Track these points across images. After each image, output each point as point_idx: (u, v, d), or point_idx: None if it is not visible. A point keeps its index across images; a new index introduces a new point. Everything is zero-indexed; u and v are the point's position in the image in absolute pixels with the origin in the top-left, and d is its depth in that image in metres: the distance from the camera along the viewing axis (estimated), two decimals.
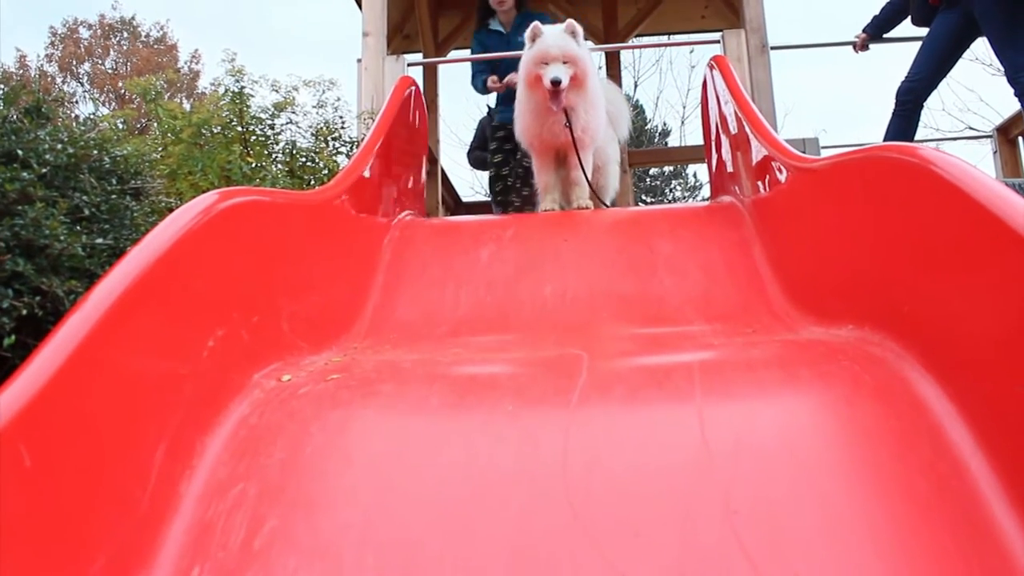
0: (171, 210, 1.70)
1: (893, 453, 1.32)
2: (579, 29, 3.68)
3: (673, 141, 23.37)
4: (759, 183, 2.93)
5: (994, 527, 1.15)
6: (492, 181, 5.46)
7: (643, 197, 23.87)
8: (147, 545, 1.19)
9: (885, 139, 4.68)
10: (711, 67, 4.09)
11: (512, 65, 4.98)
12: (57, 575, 1.04)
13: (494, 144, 5.38)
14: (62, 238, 2.36)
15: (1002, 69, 4.38)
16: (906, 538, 1.16)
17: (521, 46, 4.79)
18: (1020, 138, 5.89)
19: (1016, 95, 4.32)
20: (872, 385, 1.50)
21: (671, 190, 24.76)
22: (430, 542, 1.20)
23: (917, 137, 4.89)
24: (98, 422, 1.19)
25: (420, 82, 6.57)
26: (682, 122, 22.64)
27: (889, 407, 1.42)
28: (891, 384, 1.49)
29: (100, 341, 1.23)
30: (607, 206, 4.16)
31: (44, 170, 2.51)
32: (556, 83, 3.47)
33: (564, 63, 3.52)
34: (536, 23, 3.70)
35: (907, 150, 1.68)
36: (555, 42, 3.54)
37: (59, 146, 2.54)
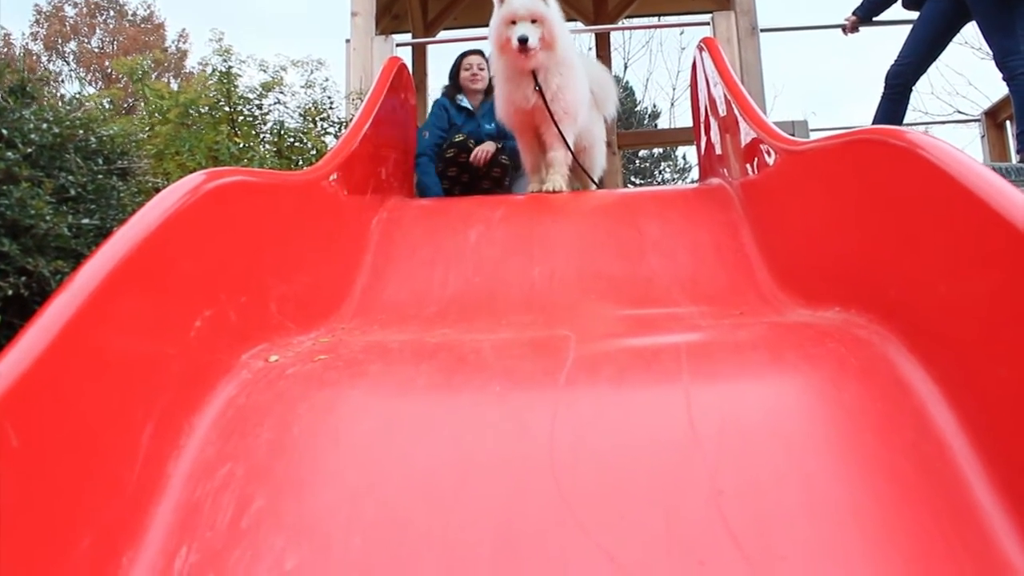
0: (158, 190, 1.69)
1: (877, 434, 1.33)
2: None
3: (663, 123, 23.38)
4: (747, 165, 2.93)
5: (975, 508, 1.17)
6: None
7: (632, 179, 23.87)
8: (135, 525, 1.20)
9: (874, 122, 4.69)
10: (701, 49, 4.08)
11: (469, 135, 4.91)
12: (44, 554, 1.04)
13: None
14: (48, 218, 2.35)
15: (991, 53, 4.39)
16: (889, 518, 1.17)
17: (488, 132, 4.76)
18: (1008, 122, 5.91)
19: (1004, 79, 4.33)
20: (857, 367, 1.51)
21: (660, 172, 24.76)
22: (417, 521, 1.21)
23: (906, 120, 4.90)
24: (85, 402, 1.19)
25: (409, 62, 6.55)
26: (672, 104, 22.63)
27: (874, 389, 1.43)
28: (876, 366, 1.50)
29: (86, 321, 1.23)
30: (597, 186, 4.14)
31: (29, 150, 2.49)
32: (523, 41, 3.43)
33: (532, 22, 3.47)
34: None
35: (894, 133, 1.69)
36: (522, 2, 3.50)
37: (44, 126, 2.52)
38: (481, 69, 4.97)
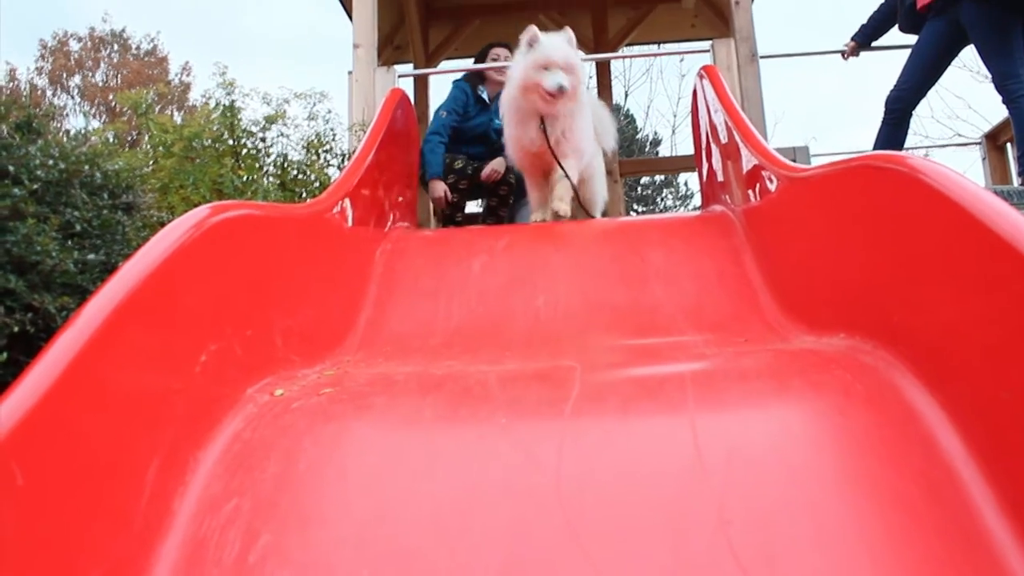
0: (163, 224, 1.70)
1: (885, 461, 1.32)
2: (574, 38, 3.71)
3: (664, 150, 23.48)
4: (749, 192, 2.94)
5: (985, 534, 1.16)
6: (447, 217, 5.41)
7: (634, 206, 23.93)
8: (141, 562, 1.19)
9: (875, 147, 4.70)
10: (701, 76, 4.11)
11: (477, 135, 5.20)
12: None
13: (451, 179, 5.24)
14: (54, 254, 2.36)
15: (989, 76, 4.41)
16: (899, 546, 1.17)
17: (496, 127, 4.94)
18: (1008, 145, 5.93)
19: (1004, 102, 4.35)
20: (864, 394, 1.51)
21: (662, 199, 24.82)
22: (424, 555, 1.20)
23: (907, 144, 4.92)
24: (91, 439, 1.19)
25: (411, 92, 6.59)
26: (673, 131, 22.75)
27: (881, 415, 1.43)
28: (883, 393, 1.49)
29: (92, 358, 1.23)
30: (594, 217, 4.17)
31: (35, 186, 2.50)
32: (560, 89, 3.45)
33: (564, 70, 3.50)
34: (533, 28, 3.65)
35: (895, 159, 1.69)
36: (559, 48, 3.54)
37: (50, 162, 2.53)
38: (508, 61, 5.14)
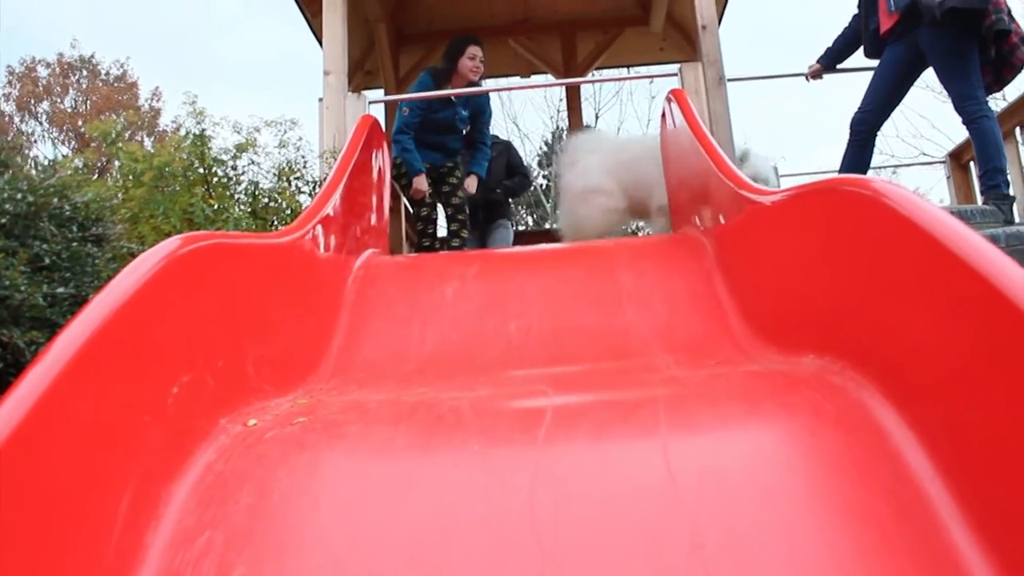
0: (133, 256, 1.70)
1: (855, 480, 1.34)
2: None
3: None
4: (719, 215, 2.97)
5: (952, 550, 1.18)
6: (420, 233, 5.51)
7: None
8: None
9: (841, 169, 4.77)
10: (669, 100, 4.15)
11: (444, 125, 5.39)
12: None
13: (404, 181, 5.37)
14: (22, 288, 2.33)
15: (949, 98, 4.50)
16: (869, 564, 1.18)
17: (462, 118, 5.32)
18: (971, 163, 6.03)
19: (963, 123, 4.44)
20: (833, 414, 1.53)
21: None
22: None
23: (873, 164, 4.99)
24: (61, 474, 1.18)
25: (382, 118, 6.61)
26: None
27: (850, 435, 1.45)
28: (852, 413, 1.51)
29: (63, 392, 1.22)
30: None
31: (3, 220, 2.48)
32: None
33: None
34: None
35: (859, 183, 1.72)
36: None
37: (19, 195, 2.51)
38: (482, 62, 5.40)
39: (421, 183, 5.21)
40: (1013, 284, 1.17)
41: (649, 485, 1.36)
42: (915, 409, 1.41)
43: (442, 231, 5.69)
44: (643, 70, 9.42)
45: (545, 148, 22.57)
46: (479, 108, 5.67)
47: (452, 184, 5.56)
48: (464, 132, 5.63)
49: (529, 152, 22.15)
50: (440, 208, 5.65)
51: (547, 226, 20.77)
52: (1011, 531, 1.13)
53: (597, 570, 1.19)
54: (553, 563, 1.20)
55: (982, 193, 4.52)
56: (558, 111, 20.97)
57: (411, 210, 5.61)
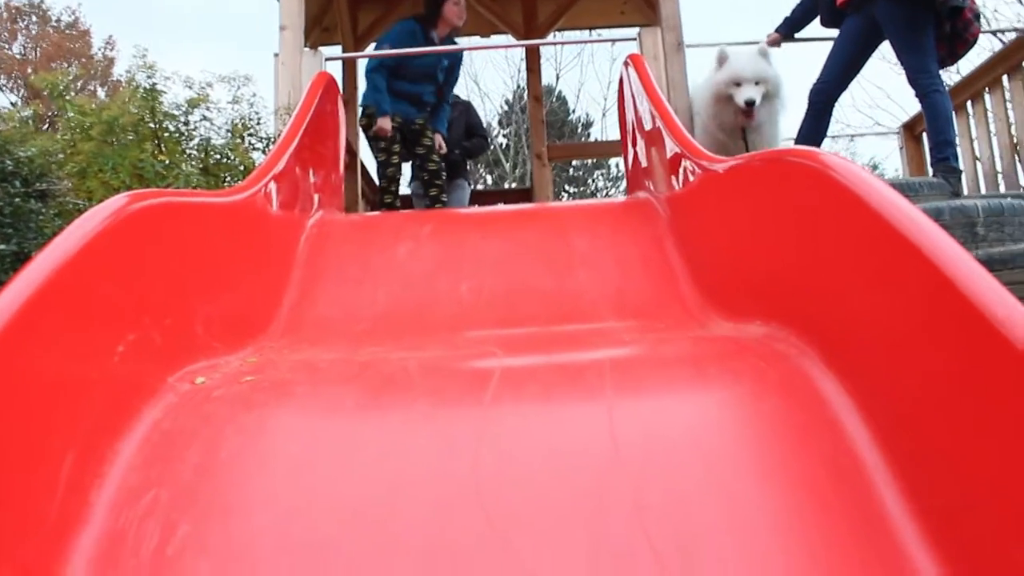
0: (80, 211, 1.67)
1: (794, 446, 1.37)
2: (769, 51, 4.25)
3: (595, 132, 23.60)
4: (672, 181, 2.99)
5: (886, 516, 1.21)
6: (383, 190, 5.36)
7: (566, 187, 24.05)
8: (55, 557, 1.18)
9: (797, 138, 4.81)
10: (627, 65, 4.15)
11: (423, 73, 5.25)
12: None
13: (380, 144, 5.26)
14: None
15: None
16: (806, 528, 1.21)
17: (443, 68, 5.22)
18: (924, 134, 6.12)
19: (916, 96, 4.49)
20: (777, 380, 1.56)
21: (593, 180, 24.96)
22: (344, 543, 1.21)
23: (829, 133, 5.04)
24: (3, 433, 1.17)
25: (340, 75, 6.52)
26: (604, 114, 22.90)
27: (791, 401, 1.48)
28: (794, 379, 1.54)
29: (5, 350, 1.21)
30: None
31: None
32: (751, 104, 4.06)
33: (756, 83, 4.03)
34: (723, 49, 4.25)
35: (807, 154, 1.74)
36: (749, 65, 4.08)
37: None
38: (465, 9, 5.31)
39: (385, 123, 5.07)
40: (948, 259, 1.20)
41: (593, 448, 1.38)
42: (854, 377, 1.44)
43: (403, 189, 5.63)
44: (605, 33, 9.38)
45: (505, 107, 22.48)
46: (456, 63, 5.56)
47: (427, 146, 5.44)
48: (440, 86, 5.50)
49: (489, 111, 22.08)
50: (406, 166, 5.53)
51: (506, 185, 20.78)
52: (939, 495, 1.17)
53: (540, 531, 1.21)
54: (495, 524, 1.21)
55: (932, 165, 4.59)
56: (519, 71, 20.86)
57: (376, 159, 5.42)
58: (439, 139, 5.54)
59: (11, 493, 1.16)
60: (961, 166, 4.65)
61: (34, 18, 23.74)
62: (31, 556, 1.15)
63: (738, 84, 4.13)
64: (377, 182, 5.53)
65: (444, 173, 5.53)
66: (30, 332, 1.29)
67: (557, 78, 23.03)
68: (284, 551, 1.21)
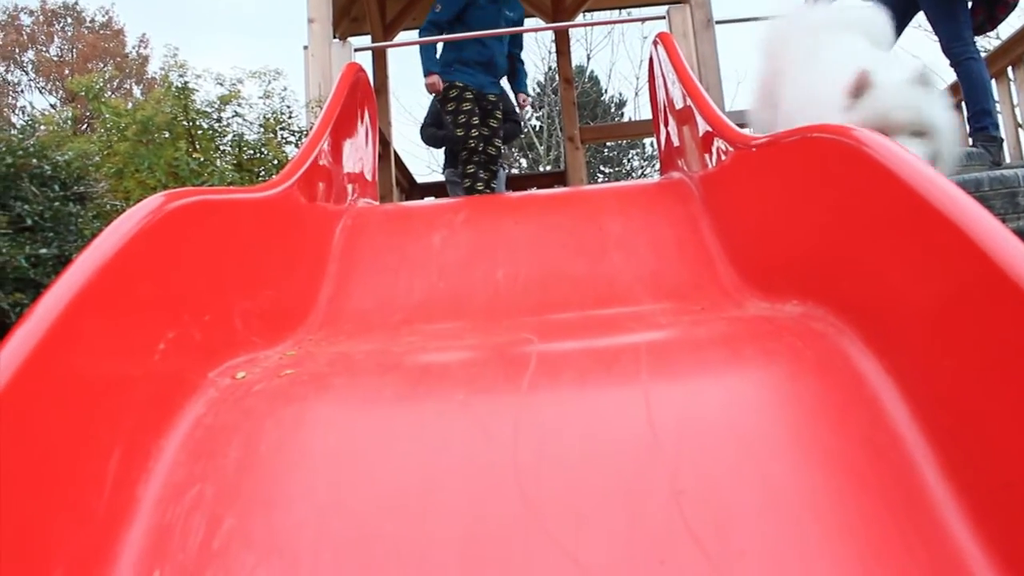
0: (118, 212, 1.70)
1: (832, 426, 1.36)
2: (931, 77, 2.63)
3: (628, 110, 23.48)
4: (706, 160, 2.97)
5: (927, 496, 1.20)
6: (455, 154, 5.21)
7: (601, 168, 23.96)
8: (106, 551, 1.21)
9: None
10: (656, 44, 4.12)
11: (486, 24, 4.98)
12: None
13: (451, 107, 5.04)
14: (4, 250, 2.32)
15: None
16: (844, 508, 1.21)
17: (508, 20, 4.93)
18: (962, 104, 6.02)
19: (950, 65, 4.41)
20: (814, 360, 1.55)
21: (628, 160, 24.85)
22: (384, 533, 1.23)
23: None
24: (51, 432, 1.20)
25: (369, 65, 6.54)
26: (636, 93, 22.76)
27: (829, 382, 1.47)
28: (832, 359, 1.53)
29: (50, 352, 1.23)
30: None
31: None
32: None
33: (917, 135, 2.50)
34: (863, 71, 2.56)
35: (841, 131, 1.72)
36: (906, 103, 2.52)
37: None
38: None
39: (433, 80, 4.92)
40: (986, 234, 1.19)
41: (629, 433, 1.38)
42: (893, 356, 1.43)
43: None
44: (634, 12, 9.31)
45: (537, 90, 22.41)
46: (520, 16, 5.26)
47: (492, 127, 5.20)
48: (505, 49, 5.21)
49: None
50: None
51: (541, 169, 20.72)
52: (979, 473, 1.16)
53: (578, 516, 1.22)
54: (535, 510, 1.22)
55: (970, 135, 4.51)
56: (549, 52, 20.78)
57: (455, 134, 5.10)
58: (523, 98, 5.35)
59: (61, 489, 1.19)
60: (1002, 134, 4.56)
61: (69, 20, 24.04)
62: (84, 549, 1.18)
63: (886, 132, 2.08)
64: (459, 162, 5.24)
65: (500, 161, 5.35)
66: (74, 333, 1.31)
67: (588, 58, 22.94)
68: (326, 542, 1.22)
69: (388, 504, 1.28)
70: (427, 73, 4.97)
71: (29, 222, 2.52)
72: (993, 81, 4.93)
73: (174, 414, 1.51)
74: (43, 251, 2.49)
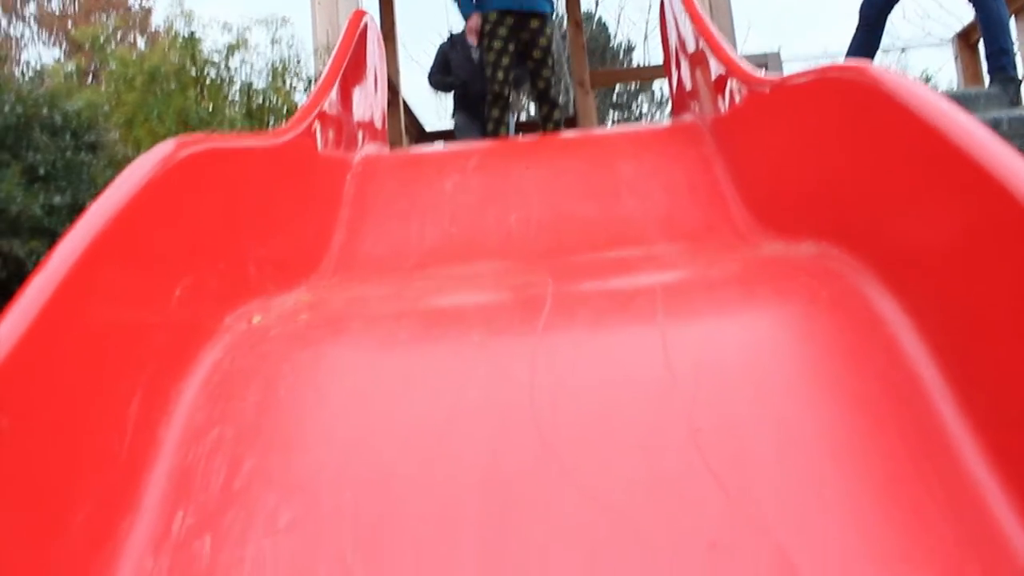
0: (129, 161, 1.69)
1: (849, 365, 1.36)
2: None
3: (637, 55, 23.23)
4: (719, 102, 2.94)
5: (943, 431, 1.20)
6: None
7: (610, 112, 23.79)
8: (130, 493, 1.22)
9: (848, 53, 4.70)
10: None
11: None
12: (41, 529, 1.07)
13: (484, 42, 4.82)
14: (18, 199, 2.33)
15: None
16: (861, 444, 1.21)
17: None
18: (980, 44, 5.93)
19: (969, 1, 4.34)
20: (829, 299, 1.54)
21: (638, 104, 24.64)
22: (404, 472, 1.24)
23: (880, 47, 4.90)
24: (71, 379, 1.21)
25: (376, 11, 6.47)
26: (645, 37, 22.48)
27: (845, 320, 1.47)
28: (848, 298, 1.53)
29: (67, 300, 1.24)
30: None
31: None
32: None
33: None
34: None
35: (857, 69, 1.70)
36: None
37: (7, 107, 2.48)
38: None
39: (473, 21, 4.74)
40: (1007, 169, 1.17)
41: (646, 373, 1.39)
42: (911, 295, 1.42)
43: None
44: None
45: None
46: None
47: (537, 59, 4.85)
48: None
49: None
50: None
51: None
52: (997, 409, 1.16)
53: (596, 455, 1.22)
54: (552, 450, 1.23)
55: (988, 74, 4.45)
56: None
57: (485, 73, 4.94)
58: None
59: (84, 434, 1.20)
60: (1021, 74, 4.50)
61: None
62: (108, 491, 1.19)
63: None
64: (486, 105, 5.04)
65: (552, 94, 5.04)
66: (90, 280, 1.32)
67: (596, 3, 22.63)
68: (346, 481, 1.24)
69: (406, 444, 1.30)
70: (466, 18, 4.86)
71: (42, 171, 2.53)
72: (1012, 19, 4.84)
73: (192, 359, 1.52)
74: (57, 199, 2.49)
